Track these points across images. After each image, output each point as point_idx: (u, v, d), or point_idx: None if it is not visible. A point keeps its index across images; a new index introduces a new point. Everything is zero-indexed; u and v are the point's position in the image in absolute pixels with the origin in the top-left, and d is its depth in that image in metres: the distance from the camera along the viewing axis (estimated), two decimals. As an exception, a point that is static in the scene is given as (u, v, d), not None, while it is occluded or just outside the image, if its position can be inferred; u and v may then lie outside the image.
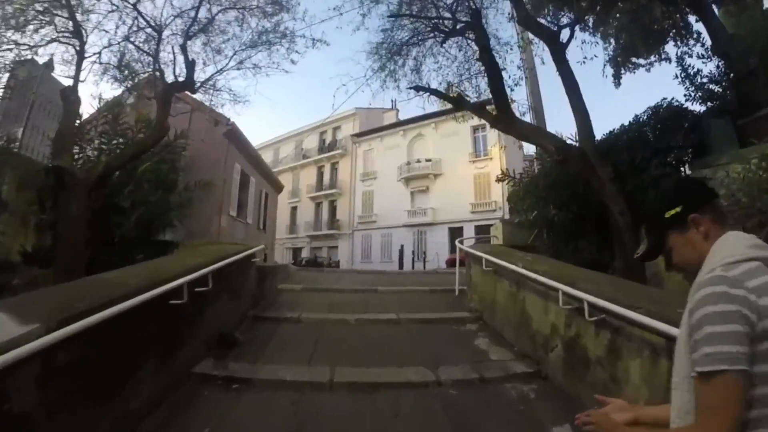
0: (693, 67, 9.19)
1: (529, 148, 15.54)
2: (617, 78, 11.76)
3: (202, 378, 3.87)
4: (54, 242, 5.71)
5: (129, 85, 7.63)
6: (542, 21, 7.16)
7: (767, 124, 6.67)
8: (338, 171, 37.90)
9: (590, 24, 10.33)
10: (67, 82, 6.96)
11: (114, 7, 7.09)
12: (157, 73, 6.76)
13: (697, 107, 8.79)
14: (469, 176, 29.68)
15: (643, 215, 1.42)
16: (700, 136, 7.72)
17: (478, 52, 7.48)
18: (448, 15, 7.43)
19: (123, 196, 5.85)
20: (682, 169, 7.68)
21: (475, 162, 29.90)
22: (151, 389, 3.32)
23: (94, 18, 7.24)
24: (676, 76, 9.23)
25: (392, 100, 36.95)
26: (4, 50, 6.67)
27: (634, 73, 11.94)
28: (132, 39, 7.22)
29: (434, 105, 30.26)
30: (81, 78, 6.38)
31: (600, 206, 6.19)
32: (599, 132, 7.12)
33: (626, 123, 8.36)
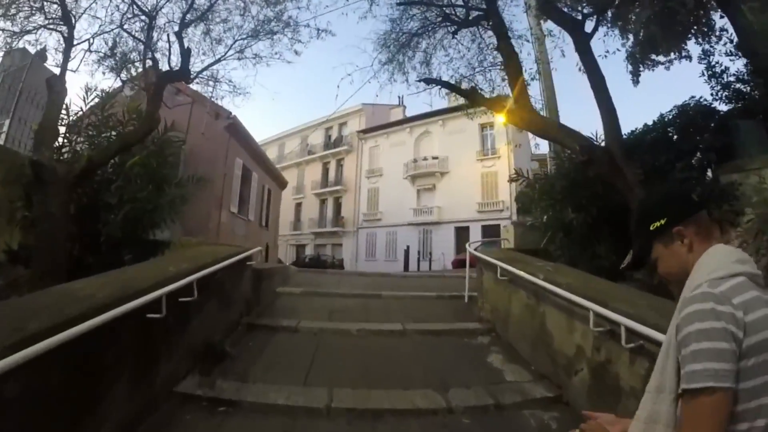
0: (720, 64, 8.71)
1: (538, 148, 14.95)
2: (635, 75, 11.23)
3: (185, 398, 3.47)
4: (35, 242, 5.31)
5: (122, 75, 7.25)
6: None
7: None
8: (344, 167, 37.42)
9: (608, 18, 9.83)
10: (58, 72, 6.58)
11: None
12: (149, 62, 6.37)
13: (723, 107, 8.34)
14: (476, 175, 29.13)
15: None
16: (727, 138, 7.24)
17: (492, 43, 7.04)
18: (460, 3, 6.97)
19: (110, 192, 5.46)
20: (709, 172, 7.22)
21: (482, 160, 29.35)
22: (125, 413, 2.94)
23: (84, 2, 6.85)
24: (702, 74, 8.75)
25: (399, 97, 36.42)
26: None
27: (653, 70, 11.39)
28: (124, 25, 6.83)
29: (443, 101, 29.83)
30: (72, 68, 6.05)
31: (621, 211, 5.71)
32: (619, 132, 6.66)
33: (650, 122, 7.95)
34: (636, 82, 11.24)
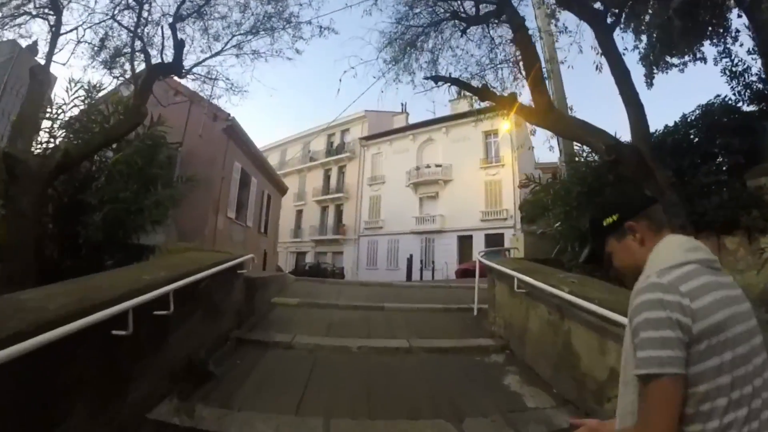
0: (743, 62, 8.29)
1: (541, 156, 14.51)
2: (650, 78, 10.85)
3: (158, 428, 3.00)
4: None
5: (114, 71, 6.85)
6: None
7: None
8: (345, 174, 36.93)
9: (622, 19, 9.46)
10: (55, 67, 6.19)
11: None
12: (138, 53, 5.96)
13: (746, 107, 7.91)
14: (479, 183, 28.64)
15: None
16: (753, 140, 6.81)
17: (503, 37, 6.62)
18: (471, -2, 6.57)
19: (90, 191, 5.01)
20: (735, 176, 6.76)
21: (486, 168, 28.84)
22: (83, 446, 2.47)
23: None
24: (723, 73, 8.32)
25: (402, 104, 36.18)
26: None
27: (667, 73, 11.01)
28: (116, 16, 6.43)
29: (446, 108, 29.52)
30: (62, 61, 5.61)
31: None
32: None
33: (670, 124, 7.52)
34: (650, 84, 10.83)
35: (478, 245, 26.45)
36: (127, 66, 7.35)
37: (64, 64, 11.87)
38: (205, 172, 11.95)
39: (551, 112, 5.30)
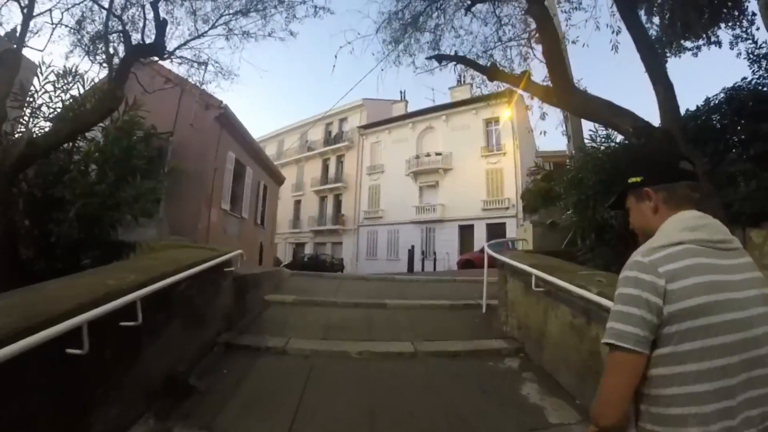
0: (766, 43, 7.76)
1: (542, 144, 14.04)
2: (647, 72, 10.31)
3: (127, 457, 2.56)
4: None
5: (91, 52, 6.33)
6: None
7: None
8: (344, 164, 36.31)
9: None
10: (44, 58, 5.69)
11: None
12: (118, 34, 5.46)
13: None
14: (480, 171, 28.07)
15: None
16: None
17: (510, 15, 6.08)
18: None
19: (63, 184, 4.55)
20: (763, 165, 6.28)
21: (487, 157, 28.25)
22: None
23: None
24: (747, 56, 7.79)
25: (401, 92, 35.52)
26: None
27: (680, 57, 10.52)
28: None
29: (445, 96, 28.83)
30: (42, 47, 5.07)
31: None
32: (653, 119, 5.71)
33: (687, 110, 7.01)
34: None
35: (480, 235, 26.03)
36: (115, 51, 6.88)
37: (41, 51, 11.39)
38: (198, 163, 11.45)
39: (572, 92, 4.81)
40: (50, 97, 4.93)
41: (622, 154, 5.49)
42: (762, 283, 1.08)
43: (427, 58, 6.79)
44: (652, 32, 10.07)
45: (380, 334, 4.93)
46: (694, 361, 0.98)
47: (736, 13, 9.26)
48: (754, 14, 8.87)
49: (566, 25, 8.55)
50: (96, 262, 4.69)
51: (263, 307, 5.83)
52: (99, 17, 6.67)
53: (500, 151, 27.76)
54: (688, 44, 10.35)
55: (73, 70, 5.35)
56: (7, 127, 4.76)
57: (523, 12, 5.96)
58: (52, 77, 5.21)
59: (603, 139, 6.48)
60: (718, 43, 9.89)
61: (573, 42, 7.81)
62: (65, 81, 5.28)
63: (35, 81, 4.97)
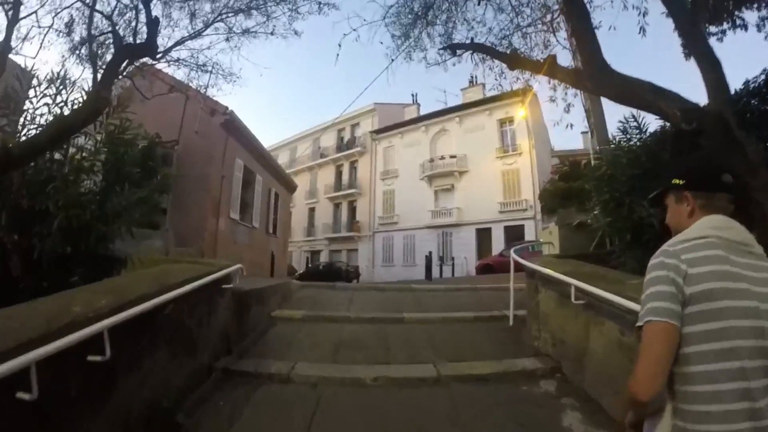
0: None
1: (557, 143, 13.37)
2: (687, 48, 9.66)
3: None
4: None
5: (81, 55, 6.00)
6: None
7: None
8: (357, 170, 35.92)
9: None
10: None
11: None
12: (106, 35, 5.10)
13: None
14: (496, 173, 27.35)
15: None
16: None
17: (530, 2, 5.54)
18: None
19: (45, 194, 4.15)
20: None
21: (503, 158, 27.54)
22: None
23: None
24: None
25: (413, 95, 35.10)
26: None
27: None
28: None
29: (457, 98, 28.25)
30: (29, 53, 4.75)
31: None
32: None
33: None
34: (687, 55, 9.69)
35: (498, 238, 25.29)
36: (108, 57, 6.54)
37: (33, 58, 11.20)
38: (204, 171, 11.12)
39: (608, 72, 4.24)
40: (32, 103, 4.56)
41: (665, 143, 4.90)
42: None
43: (441, 49, 6.30)
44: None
45: (398, 355, 4.40)
46: (706, 341, 1.05)
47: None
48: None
49: (590, 7, 7.99)
50: (84, 281, 4.29)
51: (269, 324, 5.35)
52: (93, 20, 6.35)
53: (516, 152, 27.08)
54: (712, 29, 9.73)
55: (62, 75, 4.99)
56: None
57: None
58: (35, 82, 4.86)
59: (635, 131, 5.92)
60: (744, 27, 9.24)
61: (597, 28, 7.19)
62: (56, 86, 4.93)
63: (16, 86, 4.60)
